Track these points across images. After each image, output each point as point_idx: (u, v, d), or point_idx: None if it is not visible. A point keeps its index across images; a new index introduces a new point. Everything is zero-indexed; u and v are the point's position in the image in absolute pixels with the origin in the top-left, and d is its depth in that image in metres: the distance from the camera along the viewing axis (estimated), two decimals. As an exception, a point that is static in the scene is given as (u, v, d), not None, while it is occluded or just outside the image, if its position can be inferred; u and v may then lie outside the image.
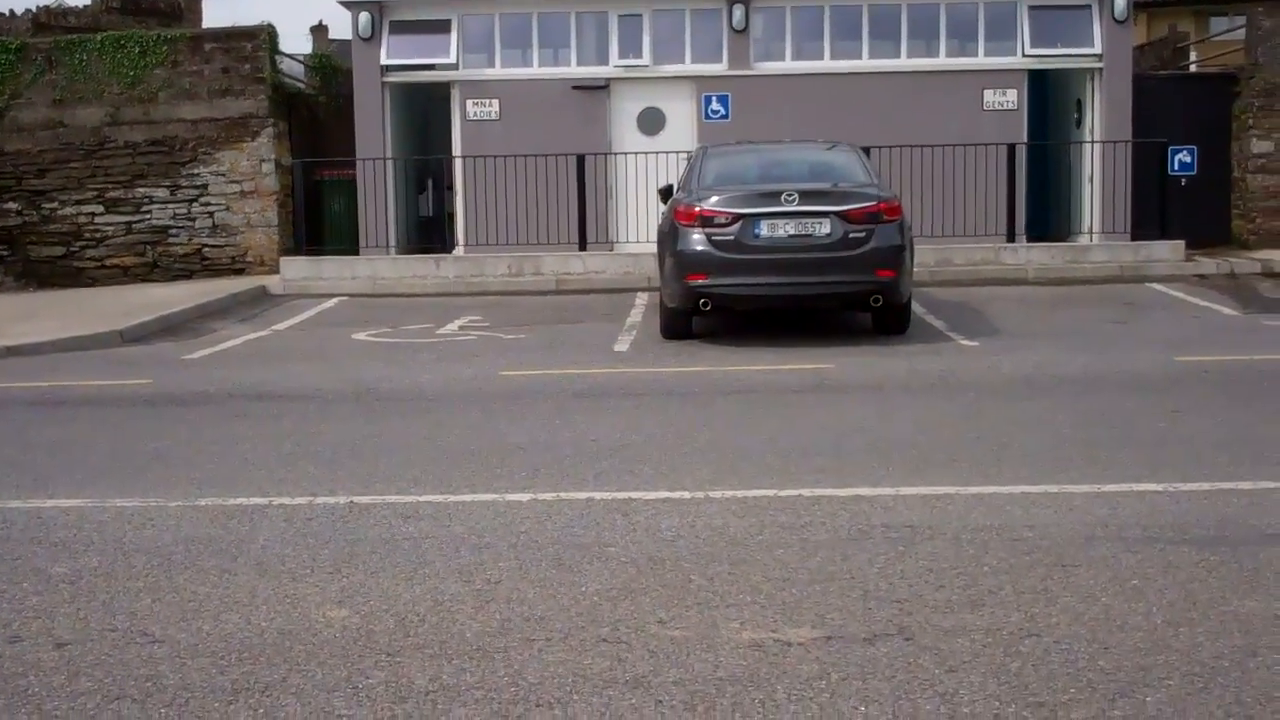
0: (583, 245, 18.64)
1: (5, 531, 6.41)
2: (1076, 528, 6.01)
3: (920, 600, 5.06)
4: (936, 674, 4.34)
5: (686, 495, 6.79)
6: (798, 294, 12.68)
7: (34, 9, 28.83)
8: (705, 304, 12.69)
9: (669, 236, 12.96)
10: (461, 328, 14.61)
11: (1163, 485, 6.78)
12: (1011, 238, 18.54)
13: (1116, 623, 4.79)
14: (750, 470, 7.35)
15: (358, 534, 6.20)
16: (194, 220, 20.03)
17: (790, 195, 12.53)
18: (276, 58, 20.40)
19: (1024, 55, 19.51)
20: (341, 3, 19.70)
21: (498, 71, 19.88)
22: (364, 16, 19.54)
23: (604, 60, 19.76)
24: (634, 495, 6.81)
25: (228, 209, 19.96)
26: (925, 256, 16.80)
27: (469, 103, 19.74)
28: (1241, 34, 21.25)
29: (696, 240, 12.54)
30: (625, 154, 19.18)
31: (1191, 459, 7.40)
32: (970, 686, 4.24)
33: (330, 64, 22.60)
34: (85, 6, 30.54)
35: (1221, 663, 4.40)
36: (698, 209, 12.65)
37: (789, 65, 19.66)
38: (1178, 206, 18.90)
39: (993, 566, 5.46)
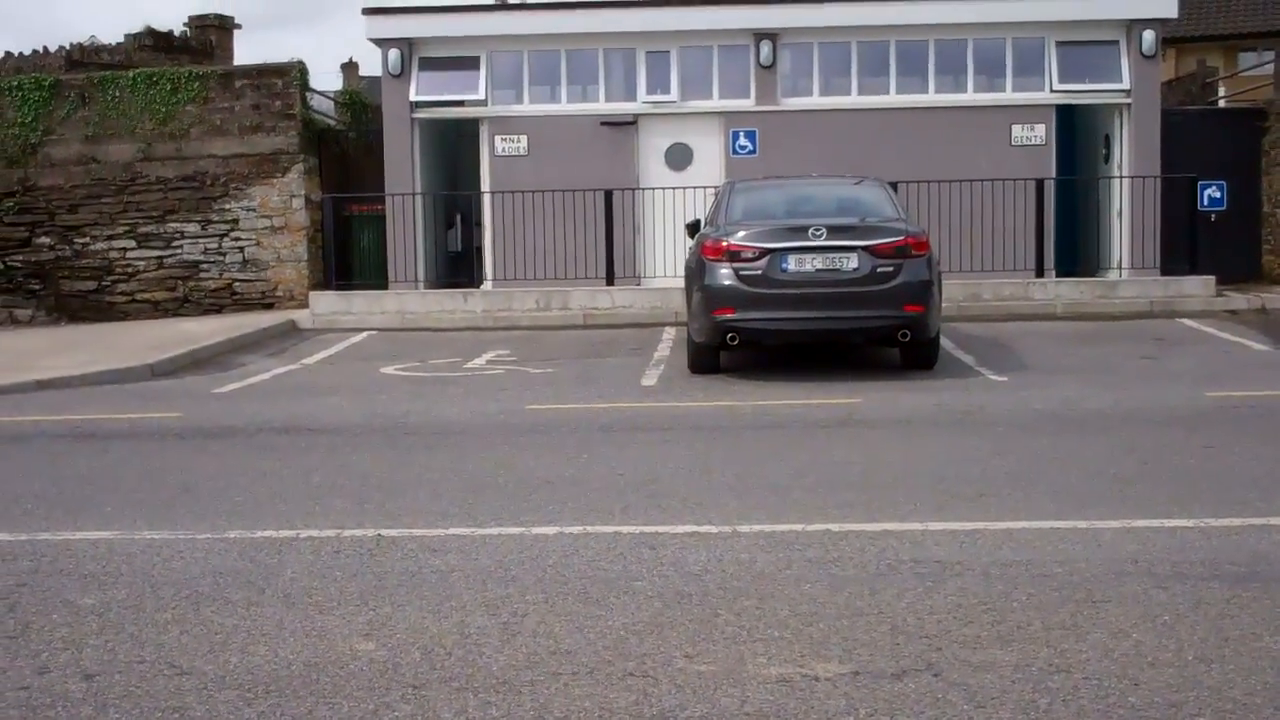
0: (610, 280, 18.69)
1: (35, 563, 6.45)
2: (1106, 563, 5.97)
3: (949, 636, 5.03)
4: (965, 710, 4.31)
5: (714, 529, 6.77)
6: (825, 329, 12.67)
7: (68, 46, 29.19)
8: (733, 339, 12.69)
9: (696, 271, 12.97)
10: (489, 362, 14.65)
11: (1194, 521, 6.72)
12: (1040, 273, 18.50)
13: (1147, 659, 4.75)
14: (778, 505, 7.33)
15: (385, 567, 6.21)
16: (224, 255, 20.19)
17: (818, 230, 12.53)
18: (307, 94, 20.60)
19: (1052, 91, 19.51)
20: (372, 40, 19.88)
21: (526, 108, 20.00)
22: (394, 53, 19.71)
23: (632, 96, 19.86)
24: (661, 529, 6.80)
25: (258, 244, 20.12)
26: (953, 291, 16.77)
27: (497, 138, 19.86)
28: (1270, 69, 21.23)
29: (724, 275, 12.56)
30: (653, 189, 19.25)
31: (1223, 495, 7.35)
32: (999, 723, 4.21)
33: (360, 100, 22.80)
34: (118, 44, 30.92)
35: (1254, 699, 4.36)
36: (725, 244, 12.67)
37: (816, 101, 19.72)
38: (1208, 242, 18.82)
39: (1021, 602, 5.43)
